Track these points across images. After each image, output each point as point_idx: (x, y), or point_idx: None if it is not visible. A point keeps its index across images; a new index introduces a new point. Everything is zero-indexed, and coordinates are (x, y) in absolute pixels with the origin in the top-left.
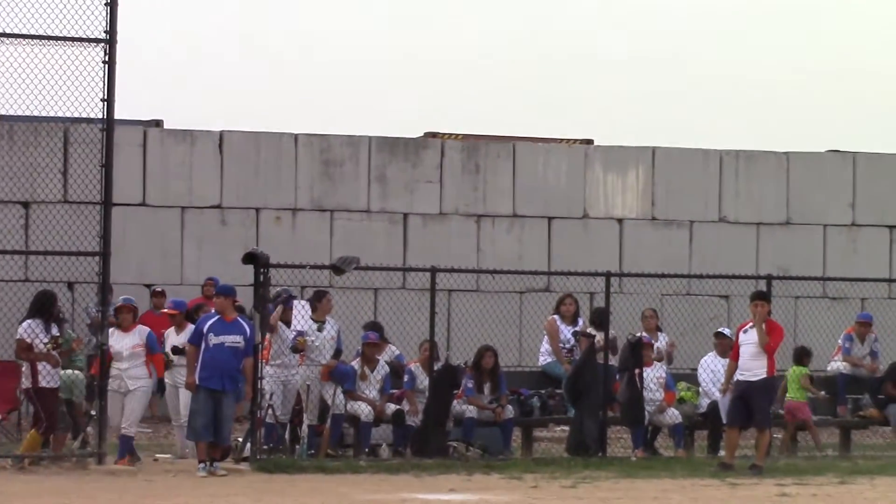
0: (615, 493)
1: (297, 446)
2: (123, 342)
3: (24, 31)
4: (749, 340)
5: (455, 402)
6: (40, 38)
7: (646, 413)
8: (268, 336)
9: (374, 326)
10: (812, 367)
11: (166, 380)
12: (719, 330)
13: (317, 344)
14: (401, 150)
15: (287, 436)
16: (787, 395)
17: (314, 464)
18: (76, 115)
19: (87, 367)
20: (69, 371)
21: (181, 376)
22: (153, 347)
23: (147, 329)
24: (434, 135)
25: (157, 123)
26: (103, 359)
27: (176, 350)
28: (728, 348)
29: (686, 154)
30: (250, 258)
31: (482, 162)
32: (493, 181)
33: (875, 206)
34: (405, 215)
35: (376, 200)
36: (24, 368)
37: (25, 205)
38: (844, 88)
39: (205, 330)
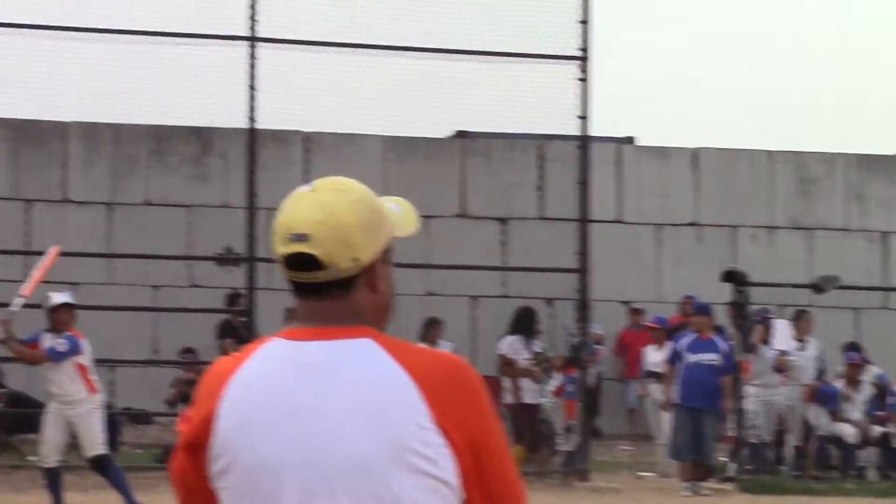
0: None
1: (781, 467)
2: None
3: (502, 49)
4: None
5: None
6: (514, 55)
7: None
8: (748, 356)
9: (853, 347)
10: None
11: (649, 397)
12: None
13: (799, 364)
14: (878, 168)
15: (771, 456)
16: None
17: (799, 485)
18: (551, 132)
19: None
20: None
21: (662, 394)
22: None
23: None
24: None
25: (630, 140)
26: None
27: (651, 374)
28: None
29: None
30: (729, 276)
31: None
32: None
33: None
34: (884, 234)
35: (854, 218)
36: (506, 384)
37: (502, 221)
38: None
39: (681, 348)
